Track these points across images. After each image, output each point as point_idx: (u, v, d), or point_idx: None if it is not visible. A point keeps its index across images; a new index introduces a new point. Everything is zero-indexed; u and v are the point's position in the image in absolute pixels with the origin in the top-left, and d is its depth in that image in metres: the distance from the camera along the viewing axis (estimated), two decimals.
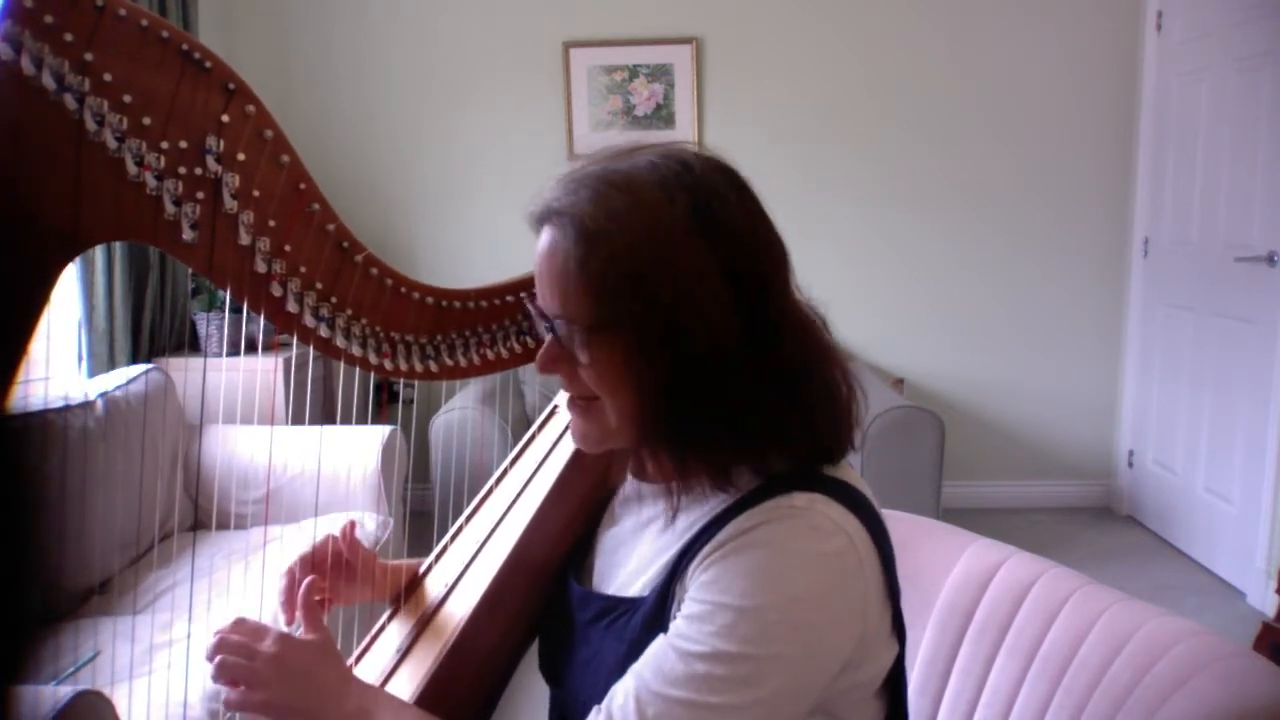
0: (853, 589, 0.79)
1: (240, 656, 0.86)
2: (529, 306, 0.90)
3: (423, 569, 1.10)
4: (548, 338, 0.86)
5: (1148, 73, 3.74)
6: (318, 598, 1.05)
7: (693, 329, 0.79)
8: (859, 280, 3.89)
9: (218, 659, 0.86)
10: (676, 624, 0.79)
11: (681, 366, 0.79)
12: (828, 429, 0.85)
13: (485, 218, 3.94)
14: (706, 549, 0.80)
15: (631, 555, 0.92)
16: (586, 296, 0.80)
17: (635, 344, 0.80)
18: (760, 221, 0.84)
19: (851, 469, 0.88)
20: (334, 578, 1.07)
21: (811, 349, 0.85)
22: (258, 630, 0.88)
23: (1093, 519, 3.89)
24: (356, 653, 1.02)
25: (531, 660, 1.00)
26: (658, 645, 0.79)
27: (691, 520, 0.86)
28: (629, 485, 0.98)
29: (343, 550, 1.06)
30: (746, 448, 0.83)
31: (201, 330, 3.13)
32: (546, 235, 0.84)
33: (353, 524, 1.09)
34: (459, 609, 0.98)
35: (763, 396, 0.81)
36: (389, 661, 0.98)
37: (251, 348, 3.13)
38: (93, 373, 2.74)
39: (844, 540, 0.79)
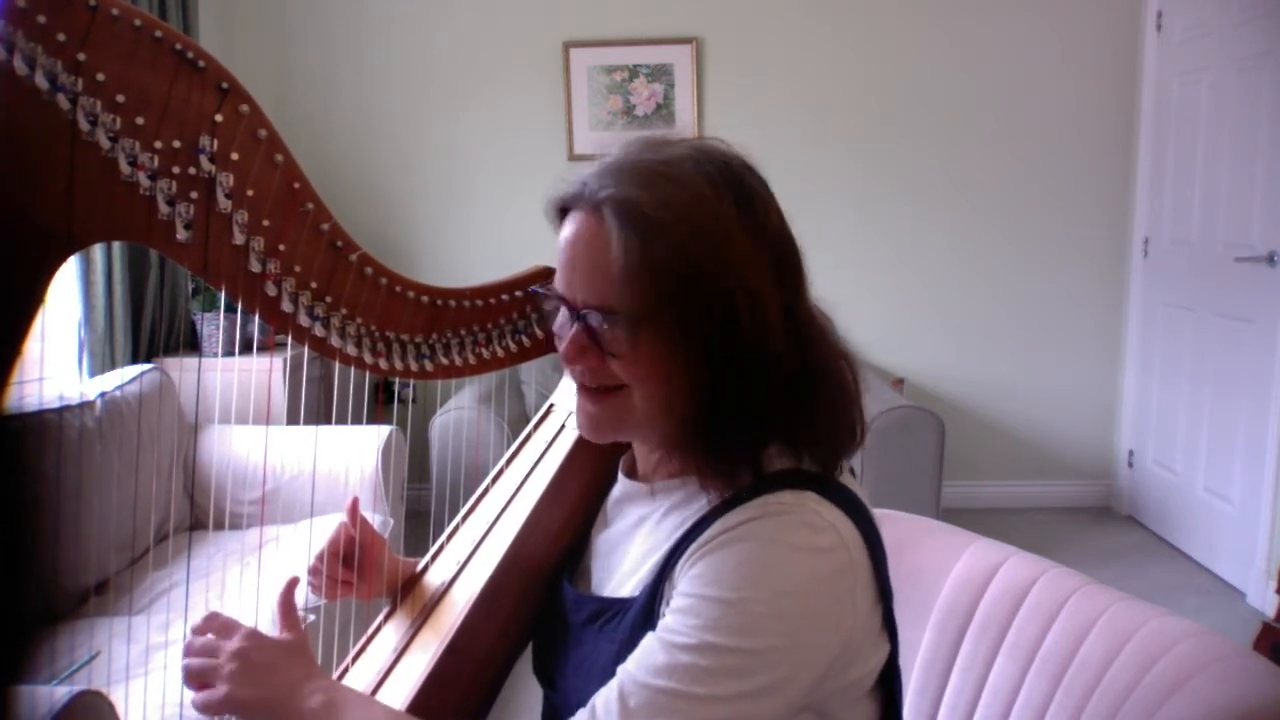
0: (841, 586, 0.79)
1: (206, 656, 0.85)
2: (543, 294, 0.88)
3: (419, 568, 1.10)
4: (574, 327, 0.84)
5: (1148, 73, 3.74)
6: (342, 579, 1.05)
7: (748, 321, 0.80)
8: (859, 280, 3.88)
9: (184, 663, 0.86)
10: (664, 619, 0.79)
11: (732, 357, 0.81)
12: (844, 426, 0.86)
13: (485, 218, 3.94)
14: (695, 545, 0.80)
15: (625, 557, 0.92)
16: (639, 285, 0.79)
17: (686, 334, 0.80)
18: (785, 221, 0.87)
19: (847, 472, 0.88)
20: (354, 565, 1.06)
21: (828, 348, 0.87)
22: (227, 627, 0.88)
23: (1093, 519, 3.89)
24: (353, 652, 1.02)
25: (525, 662, 1.00)
26: (646, 641, 0.79)
27: (682, 519, 0.86)
28: (619, 487, 0.98)
29: (353, 533, 1.06)
30: (767, 442, 0.83)
31: (201, 330, 3.13)
32: (585, 222, 0.83)
33: (355, 500, 1.08)
34: (455, 608, 0.98)
35: (794, 391, 0.83)
36: (386, 660, 0.97)
37: (252, 348, 3.13)
38: (93, 373, 2.74)
39: (834, 537, 0.79)
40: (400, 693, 0.92)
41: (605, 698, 0.77)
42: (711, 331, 0.80)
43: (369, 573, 1.07)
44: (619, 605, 0.87)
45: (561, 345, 0.87)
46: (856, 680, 0.83)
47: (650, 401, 0.84)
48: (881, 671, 0.86)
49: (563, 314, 0.87)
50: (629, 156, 0.84)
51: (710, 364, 0.80)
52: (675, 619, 0.77)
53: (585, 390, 0.87)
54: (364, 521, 1.07)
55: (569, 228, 0.85)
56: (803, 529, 0.78)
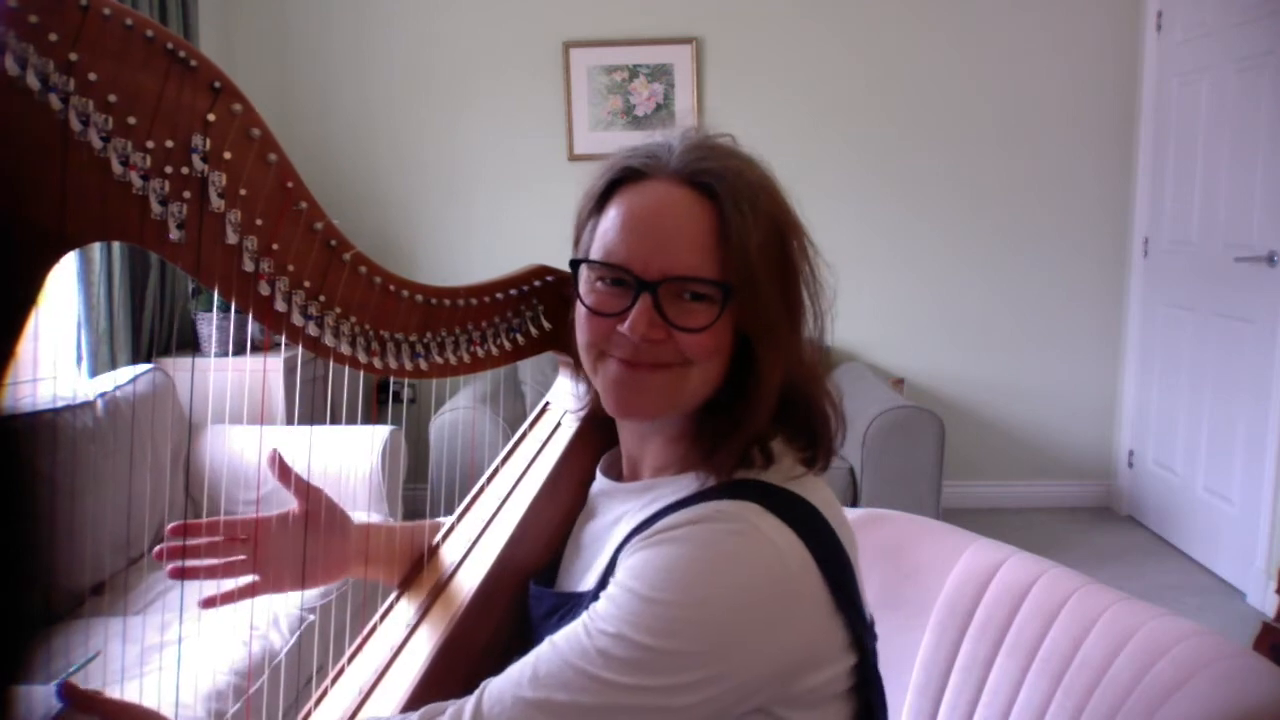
0: (773, 598, 0.77)
1: None
2: (597, 264, 0.84)
3: (422, 564, 1.09)
4: (643, 299, 0.81)
5: (1148, 73, 3.73)
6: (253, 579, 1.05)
7: (804, 305, 0.86)
8: (859, 280, 3.88)
9: None
10: (596, 603, 0.79)
11: (792, 341, 0.85)
12: (830, 417, 0.88)
13: (485, 218, 3.94)
14: (639, 536, 0.80)
15: (597, 554, 0.92)
16: (741, 258, 0.80)
17: (768, 312, 0.82)
18: None
19: (819, 481, 0.87)
20: (314, 535, 1.06)
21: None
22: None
23: (1093, 519, 3.89)
24: (350, 651, 1.02)
25: None
26: (578, 619, 0.79)
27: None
28: (597, 484, 0.98)
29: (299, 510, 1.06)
30: (771, 431, 0.85)
31: (201, 330, 3.13)
32: (670, 191, 0.83)
33: (275, 451, 1.07)
34: (450, 607, 0.97)
35: (809, 380, 0.86)
36: (382, 659, 0.97)
37: (252, 348, 3.13)
38: (93, 373, 2.74)
39: (770, 551, 0.77)
40: (399, 689, 0.92)
41: (522, 663, 0.78)
42: (790, 311, 0.84)
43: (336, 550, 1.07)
44: (575, 599, 0.87)
45: (590, 324, 0.85)
46: (813, 688, 0.80)
47: (706, 383, 0.84)
48: (858, 679, 0.84)
49: (603, 288, 0.85)
50: (700, 137, 0.86)
51: (772, 344, 0.83)
52: (603, 604, 0.78)
53: (633, 364, 0.84)
54: (322, 499, 1.08)
55: (643, 197, 0.84)
56: (735, 538, 0.77)
